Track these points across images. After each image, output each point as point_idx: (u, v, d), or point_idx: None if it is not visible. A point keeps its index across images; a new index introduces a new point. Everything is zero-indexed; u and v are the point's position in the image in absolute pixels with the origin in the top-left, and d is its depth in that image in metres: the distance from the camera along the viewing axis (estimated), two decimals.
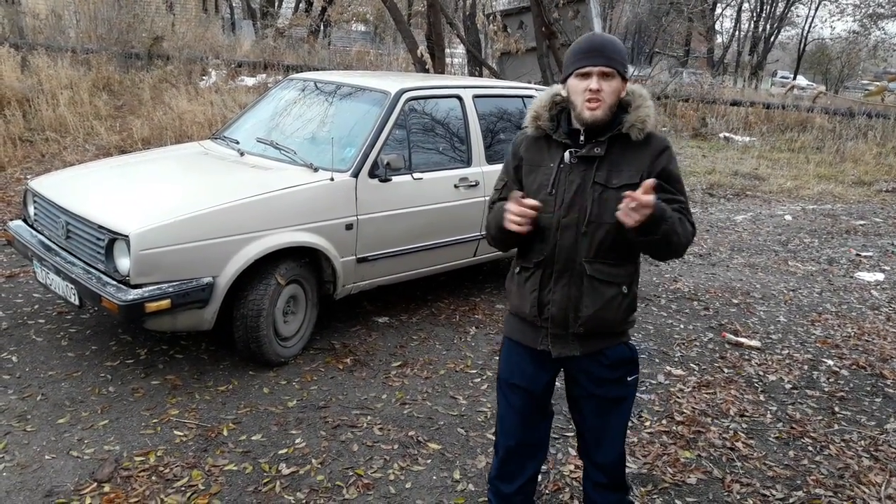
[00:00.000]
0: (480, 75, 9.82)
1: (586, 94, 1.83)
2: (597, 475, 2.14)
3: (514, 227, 1.84)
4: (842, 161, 11.57)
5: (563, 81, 1.94)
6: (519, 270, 2.02)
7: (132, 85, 9.84)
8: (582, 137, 1.90)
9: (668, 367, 3.80)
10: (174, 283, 3.05)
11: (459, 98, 4.31)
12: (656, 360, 3.88)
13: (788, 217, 7.98)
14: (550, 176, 1.91)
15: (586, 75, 1.84)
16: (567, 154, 1.90)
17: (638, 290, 2.02)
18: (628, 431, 3.08)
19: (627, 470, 2.82)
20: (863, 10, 26.21)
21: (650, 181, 1.69)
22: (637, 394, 3.44)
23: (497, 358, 3.80)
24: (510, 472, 2.16)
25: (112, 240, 3.04)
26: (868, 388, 3.73)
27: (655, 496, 2.69)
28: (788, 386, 3.69)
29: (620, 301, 1.94)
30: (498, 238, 2.03)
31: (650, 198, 1.67)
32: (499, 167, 4.40)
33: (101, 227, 3.10)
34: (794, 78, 29.84)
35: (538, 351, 2.01)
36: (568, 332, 1.95)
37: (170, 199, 3.31)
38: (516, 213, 1.82)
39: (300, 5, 20.16)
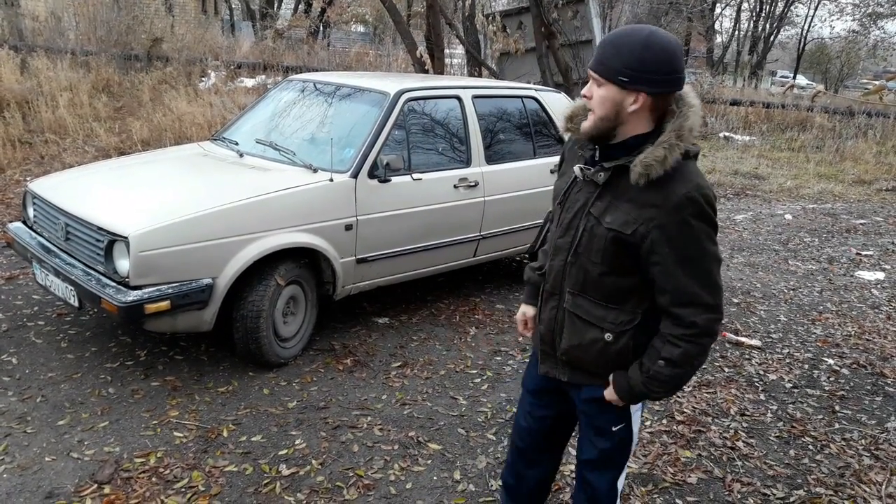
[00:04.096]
0: (480, 76, 9.81)
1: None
2: None
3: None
4: (842, 160, 11.56)
5: None
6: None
7: (131, 87, 9.84)
8: (596, 155, 1.66)
9: None
10: (173, 285, 3.05)
11: (459, 98, 4.30)
12: None
13: (788, 216, 7.97)
14: (565, 186, 1.74)
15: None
16: (577, 169, 1.68)
17: (637, 343, 1.67)
18: None
19: (627, 470, 2.82)
20: (862, 10, 26.21)
21: (607, 394, 1.75)
22: None
23: (498, 358, 3.81)
24: (516, 473, 2.10)
25: (111, 241, 3.04)
26: (868, 387, 3.72)
27: (656, 496, 2.68)
28: (789, 385, 3.69)
29: (602, 348, 1.68)
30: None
31: (615, 399, 1.71)
32: (499, 167, 4.43)
33: (100, 228, 3.10)
34: (794, 77, 29.83)
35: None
36: (556, 355, 1.80)
37: (169, 200, 3.31)
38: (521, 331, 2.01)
39: (299, 6, 20.19)
